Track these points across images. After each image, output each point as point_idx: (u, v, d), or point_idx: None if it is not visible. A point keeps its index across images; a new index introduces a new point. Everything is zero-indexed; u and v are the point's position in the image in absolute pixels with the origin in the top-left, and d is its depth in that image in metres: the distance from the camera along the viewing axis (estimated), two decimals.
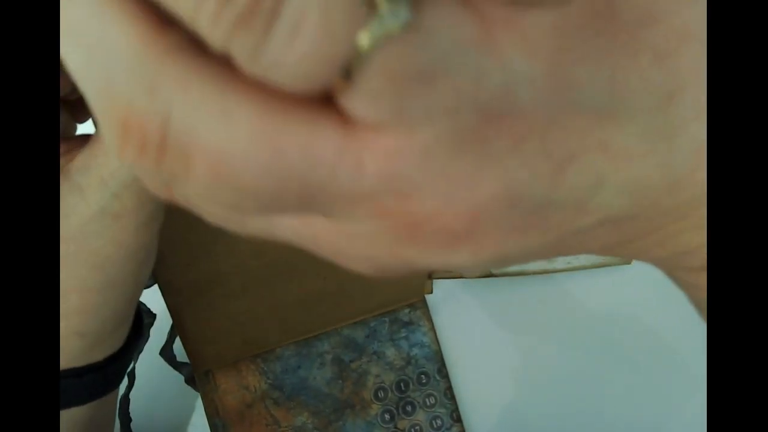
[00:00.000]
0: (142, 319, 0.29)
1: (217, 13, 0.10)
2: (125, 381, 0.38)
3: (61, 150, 0.21)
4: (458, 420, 0.41)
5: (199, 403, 0.40)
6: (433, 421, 0.41)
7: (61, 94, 0.22)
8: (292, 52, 0.10)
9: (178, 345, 0.39)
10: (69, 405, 0.24)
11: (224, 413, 0.38)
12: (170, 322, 0.39)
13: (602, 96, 0.13)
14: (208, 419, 0.38)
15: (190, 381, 0.39)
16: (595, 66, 0.12)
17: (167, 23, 0.10)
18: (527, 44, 0.11)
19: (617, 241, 0.16)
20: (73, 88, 0.22)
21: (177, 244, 0.27)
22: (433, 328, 0.42)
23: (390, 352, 0.41)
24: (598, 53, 0.12)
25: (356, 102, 0.11)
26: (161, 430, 0.40)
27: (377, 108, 0.11)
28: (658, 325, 0.41)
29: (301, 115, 0.11)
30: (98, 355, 0.24)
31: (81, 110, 0.24)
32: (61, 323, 0.22)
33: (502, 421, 0.43)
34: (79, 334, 0.23)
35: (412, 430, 0.40)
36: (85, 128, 0.27)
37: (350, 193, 0.12)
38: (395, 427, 0.40)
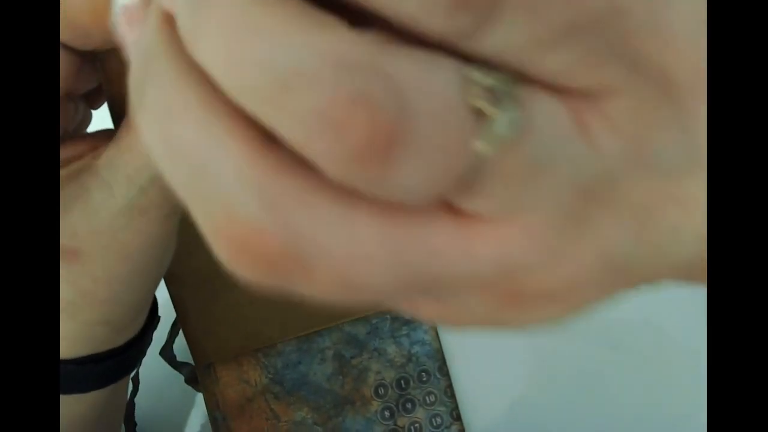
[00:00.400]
0: (157, 304, 0.30)
1: (332, 150, 0.10)
2: (130, 386, 0.38)
3: (87, 147, 0.22)
4: (458, 419, 0.41)
5: (198, 403, 0.40)
6: (433, 419, 0.41)
7: (81, 91, 0.22)
8: (414, 177, 0.10)
9: (177, 345, 0.39)
10: (88, 389, 0.25)
11: (224, 407, 0.38)
12: (169, 322, 0.39)
13: (676, 157, 0.14)
14: (208, 412, 0.38)
15: (190, 381, 0.39)
16: (667, 133, 0.14)
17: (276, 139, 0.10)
18: (613, 126, 0.13)
19: (686, 276, 0.17)
20: (91, 84, 0.23)
21: (180, 234, 0.28)
22: (434, 326, 0.42)
23: (391, 349, 0.41)
24: (668, 121, 0.14)
25: (471, 202, 0.12)
26: (161, 430, 0.41)
27: (491, 204, 0.12)
28: (665, 319, 0.41)
29: (419, 216, 0.12)
30: (119, 341, 0.25)
31: (96, 98, 0.25)
32: (88, 313, 0.23)
33: (502, 420, 0.43)
34: (104, 323, 0.23)
35: (412, 427, 0.41)
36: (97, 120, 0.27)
37: (462, 279, 0.12)
38: (395, 425, 0.40)
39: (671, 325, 0.43)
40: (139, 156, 0.21)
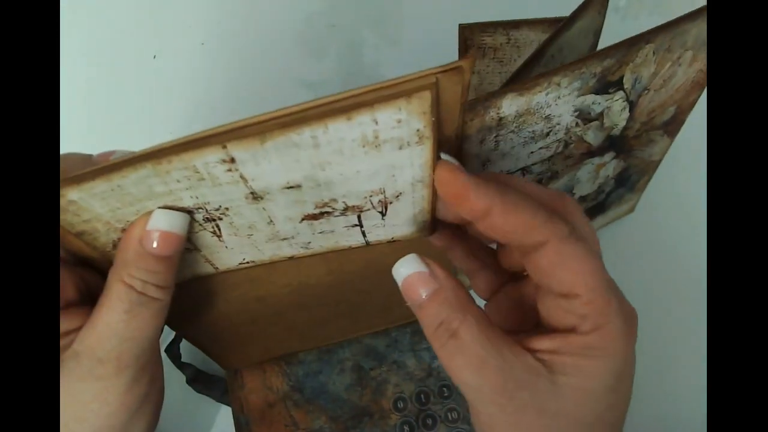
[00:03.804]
0: None
1: None
2: None
3: (74, 325, 0.25)
4: None
5: (197, 403, 0.42)
6: None
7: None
8: None
9: (182, 344, 0.42)
10: None
11: (248, 411, 0.40)
12: None
13: None
14: (233, 415, 0.40)
15: (191, 382, 0.41)
16: None
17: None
18: None
19: None
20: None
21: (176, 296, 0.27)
22: None
23: (411, 363, 0.41)
24: None
25: None
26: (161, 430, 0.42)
27: None
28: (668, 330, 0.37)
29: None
30: None
31: None
32: None
33: None
34: None
35: None
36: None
37: None
38: None
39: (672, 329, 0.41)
40: (97, 331, 0.24)
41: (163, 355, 0.42)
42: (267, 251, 0.27)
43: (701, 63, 0.25)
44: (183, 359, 0.42)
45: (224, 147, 0.19)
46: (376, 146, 0.20)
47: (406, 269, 0.23)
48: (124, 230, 0.23)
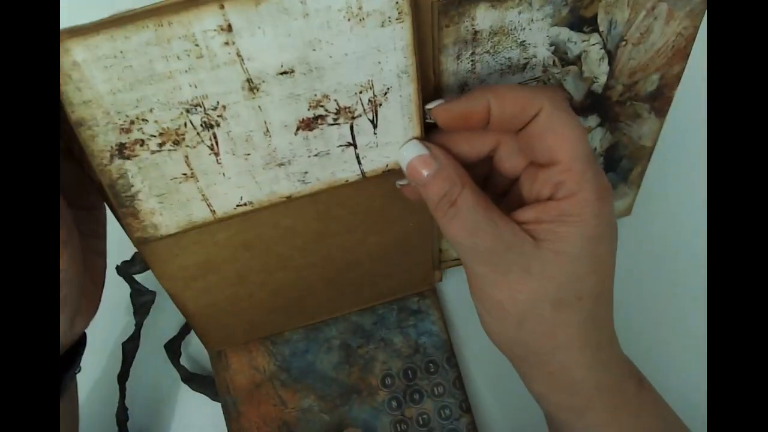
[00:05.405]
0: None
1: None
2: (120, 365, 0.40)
3: None
4: (467, 411, 0.40)
5: (193, 402, 0.42)
6: (441, 411, 0.40)
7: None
8: None
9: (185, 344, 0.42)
10: None
11: (235, 392, 0.40)
12: (179, 316, 0.41)
13: None
14: (220, 397, 0.40)
15: (185, 380, 0.41)
16: None
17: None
18: None
19: None
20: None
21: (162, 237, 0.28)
22: (442, 318, 0.42)
23: (397, 340, 0.42)
24: None
25: None
26: (157, 428, 0.42)
27: None
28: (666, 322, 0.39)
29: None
30: None
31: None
32: None
33: (512, 412, 0.41)
34: None
35: (420, 419, 0.40)
36: None
37: None
38: (402, 415, 0.40)
39: (672, 325, 0.43)
40: None
41: (159, 356, 0.41)
42: (264, 185, 0.28)
43: (679, 24, 0.26)
44: (182, 361, 0.41)
45: (222, 7, 0.21)
46: (360, 19, 0.23)
47: (410, 153, 0.26)
48: (122, 132, 0.24)
